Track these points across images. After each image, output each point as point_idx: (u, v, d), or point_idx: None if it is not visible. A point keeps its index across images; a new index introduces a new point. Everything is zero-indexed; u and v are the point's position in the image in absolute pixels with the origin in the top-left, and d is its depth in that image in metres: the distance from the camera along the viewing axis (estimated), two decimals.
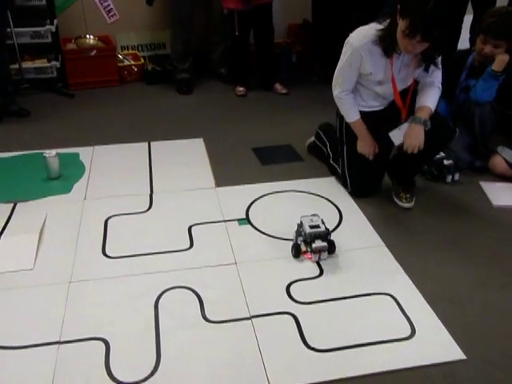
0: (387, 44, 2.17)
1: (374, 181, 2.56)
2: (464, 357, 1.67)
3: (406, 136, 2.26)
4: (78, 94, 3.77)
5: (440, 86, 2.34)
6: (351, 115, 2.40)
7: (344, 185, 2.60)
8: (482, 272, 2.07)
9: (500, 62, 2.58)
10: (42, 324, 1.77)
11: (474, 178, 2.75)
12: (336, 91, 2.38)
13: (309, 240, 2.05)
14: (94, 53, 3.80)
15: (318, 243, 2.04)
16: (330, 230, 2.13)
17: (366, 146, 2.42)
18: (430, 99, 2.29)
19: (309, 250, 2.07)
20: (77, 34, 3.94)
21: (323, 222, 2.09)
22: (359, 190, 2.55)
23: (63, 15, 3.86)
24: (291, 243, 2.14)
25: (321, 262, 2.07)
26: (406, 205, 2.42)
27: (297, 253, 2.08)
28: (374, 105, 2.41)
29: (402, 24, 2.05)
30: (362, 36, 2.21)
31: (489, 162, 2.77)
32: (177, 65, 3.91)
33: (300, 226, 2.09)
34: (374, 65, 2.23)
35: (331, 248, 2.09)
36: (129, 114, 3.49)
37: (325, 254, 2.06)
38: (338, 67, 2.35)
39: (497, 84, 2.62)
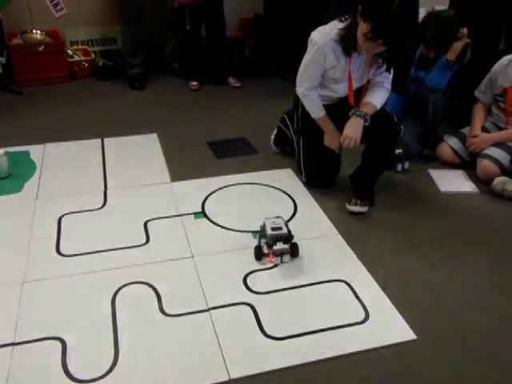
0: (348, 44, 2.19)
1: (329, 172, 2.61)
2: (415, 336, 1.74)
3: (345, 127, 2.30)
4: (27, 91, 3.67)
5: (389, 87, 2.38)
6: (317, 112, 2.42)
7: (299, 174, 2.64)
8: (431, 255, 2.15)
9: (455, 50, 2.67)
10: None
11: (422, 166, 2.84)
12: (301, 89, 2.39)
13: (270, 242, 2.02)
14: (42, 48, 3.70)
15: (280, 245, 2.01)
16: (286, 220, 2.16)
17: (332, 140, 2.45)
18: (376, 97, 2.32)
19: (270, 252, 2.05)
20: (22, 28, 3.83)
21: (286, 225, 2.07)
22: (314, 181, 2.59)
23: (6, 9, 3.73)
24: (248, 235, 2.16)
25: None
26: (352, 208, 2.38)
27: (258, 255, 2.05)
28: (324, 100, 2.43)
29: (363, 27, 2.05)
30: (325, 34, 2.22)
31: (436, 150, 2.87)
32: (128, 60, 3.86)
33: (263, 228, 2.07)
34: (336, 60, 2.25)
35: (294, 251, 2.06)
36: (81, 111, 3.43)
37: (287, 257, 2.04)
38: (302, 65, 2.35)
39: (451, 72, 2.71)
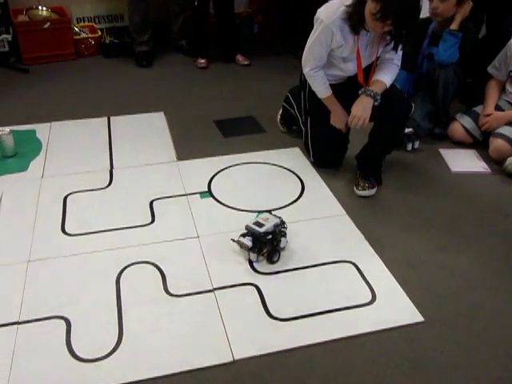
0: (355, 22, 2.12)
1: (337, 152, 2.56)
2: (422, 319, 1.71)
3: (354, 106, 2.25)
4: (33, 69, 3.64)
5: (399, 63, 2.31)
6: (323, 91, 2.37)
7: (307, 154, 2.60)
8: (440, 237, 2.12)
9: (456, 18, 2.59)
10: (0, 304, 1.73)
11: (433, 145, 2.79)
12: (307, 68, 2.33)
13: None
14: (47, 25, 3.65)
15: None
16: (293, 200, 2.11)
17: (338, 119, 2.40)
18: (386, 75, 2.26)
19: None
20: (28, 4, 3.77)
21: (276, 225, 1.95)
22: (322, 161, 2.55)
23: None
24: (254, 215, 2.13)
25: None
26: (360, 192, 2.33)
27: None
28: (331, 79, 2.38)
29: (371, 6, 1.98)
30: (332, 12, 2.14)
31: (448, 129, 2.81)
32: (135, 37, 3.80)
33: (247, 226, 1.95)
34: (343, 38, 2.19)
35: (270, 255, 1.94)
36: (87, 89, 3.40)
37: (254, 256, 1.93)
38: (308, 44, 2.29)
39: (457, 42, 2.62)
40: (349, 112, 2.32)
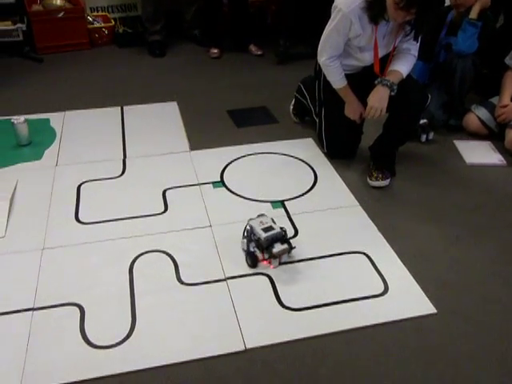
0: (376, 12, 2.09)
1: (351, 143, 2.55)
2: (435, 310, 1.71)
3: (370, 96, 2.23)
4: (47, 58, 3.65)
5: (416, 54, 2.29)
6: (338, 82, 2.34)
7: (320, 145, 2.59)
8: (453, 228, 2.10)
9: (475, 7, 2.55)
10: (15, 291, 1.75)
11: (448, 136, 2.76)
12: (323, 58, 2.30)
13: (265, 245, 1.81)
14: (62, 14, 3.66)
15: (278, 247, 1.81)
16: (305, 191, 2.10)
17: (352, 110, 2.38)
18: (403, 65, 2.24)
19: (266, 256, 1.84)
20: None
21: (274, 221, 1.88)
22: (335, 152, 2.54)
23: None
24: (267, 205, 2.12)
25: (295, 222, 2.07)
26: (374, 183, 2.32)
27: (254, 262, 1.85)
28: (347, 69, 2.35)
29: None
30: (351, 1, 2.11)
31: (463, 120, 2.78)
32: (148, 26, 3.80)
33: (250, 231, 1.85)
34: (362, 28, 2.16)
35: (290, 248, 1.87)
36: (100, 78, 3.40)
37: (285, 256, 1.87)
38: (324, 33, 2.26)
39: (476, 32, 2.58)
40: (363, 103, 2.30)
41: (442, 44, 2.74)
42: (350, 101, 2.37)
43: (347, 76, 2.34)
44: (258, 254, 1.85)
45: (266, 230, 1.83)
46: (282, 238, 1.85)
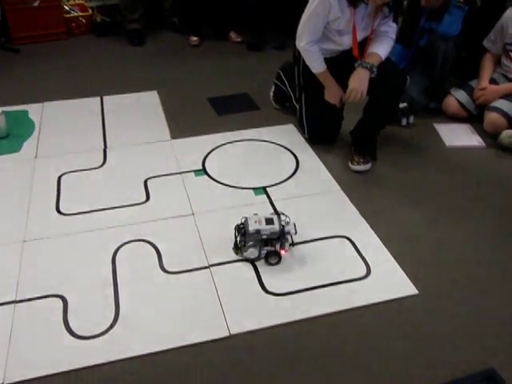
0: None
1: (331, 128, 2.55)
2: (416, 291, 1.73)
3: (351, 79, 2.23)
4: (24, 49, 3.58)
5: (394, 36, 2.30)
6: (318, 66, 2.34)
7: (301, 131, 2.59)
8: (434, 211, 2.12)
9: None
10: None
11: (428, 119, 2.78)
12: (302, 42, 2.29)
13: (277, 236, 1.80)
14: (37, 3, 3.59)
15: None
16: (287, 177, 2.09)
17: (332, 95, 2.38)
18: (381, 47, 2.25)
19: (278, 246, 1.81)
20: None
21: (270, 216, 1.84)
22: (316, 137, 2.54)
23: None
24: (249, 192, 2.12)
25: (277, 208, 2.08)
26: (355, 167, 2.33)
27: (279, 256, 1.82)
28: (326, 54, 2.35)
29: None
30: None
31: (442, 103, 2.80)
32: (127, 15, 3.75)
33: (256, 236, 1.79)
34: (341, 11, 2.16)
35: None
36: (79, 69, 3.35)
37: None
38: (303, 17, 2.25)
39: (462, 15, 2.59)
40: (343, 87, 2.30)
41: (424, 29, 2.74)
42: (330, 85, 2.37)
43: (326, 60, 2.34)
44: (274, 247, 1.81)
45: (260, 226, 1.79)
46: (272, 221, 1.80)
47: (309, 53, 2.31)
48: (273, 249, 1.81)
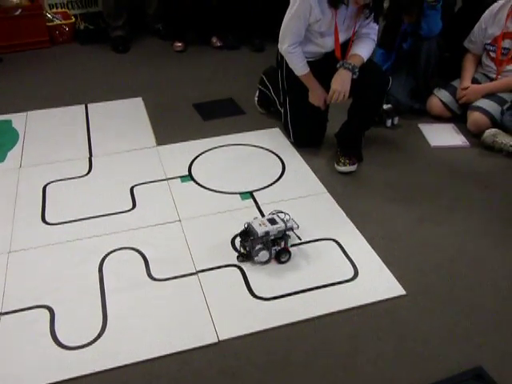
0: None
1: (317, 131, 2.56)
2: (404, 292, 1.74)
3: (333, 80, 2.25)
4: (7, 58, 3.55)
5: (375, 38, 2.32)
6: (301, 69, 2.35)
7: (287, 134, 2.60)
8: (420, 210, 2.14)
9: None
10: None
11: (412, 120, 2.80)
12: (284, 45, 2.29)
13: (280, 235, 1.82)
14: (18, 12, 3.56)
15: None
16: (274, 180, 2.11)
17: (316, 97, 2.39)
18: (363, 48, 2.26)
19: (283, 244, 1.84)
20: None
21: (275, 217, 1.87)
22: (302, 141, 2.55)
23: None
24: (235, 197, 2.12)
25: (264, 212, 2.08)
26: (341, 168, 2.33)
27: (288, 254, 1.85)
28: (308, 56, 2.36)
29: None
30: None
31: (426, 104, 2.82)
32: (110, 22, 3.73)
33: (264, 238, 1.79)
34: (321, 13, 2.17)
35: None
36: (63, 77, 3.34)
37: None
38: (285, 19, 2.25)
39: (437, 13, 2.60)
40: (327, 89, 2.31)
41: (408, 32, 2.76)
42: (314, 87, 2.38)
43: (309, 64, 2.35)
44: (280, 246, 1.84)
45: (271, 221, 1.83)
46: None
47: (292, 55, 2.32)
48: (280, 247, 1.83)
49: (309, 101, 2.41)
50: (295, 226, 1.86)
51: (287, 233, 1.84)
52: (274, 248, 1.83)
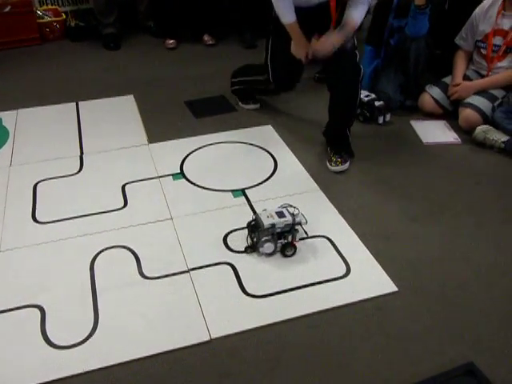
0: None
1: (295, 75, 2.58)
2: (396, 289, 1.74)
3: (319, 40, 2.23)
4: None
5: (367, 2, 2.26)
6: (287, 17, 2.24)
7: (266, 73, 2.59)
8: (412, 207, 2.14)
9: None
10: None
11: (404, 117, 2.80)
12: None
13: (289, 229, 1.84)
14: (8, 9, 3.53)
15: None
16: (266, 178, 2.10)
17: (298, 49, 2.31)
18: (357, 12, 2.21)
19: (290, 238, 1.85)
20: None
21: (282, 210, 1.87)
22: (280, 82, 2.58)
23: None
24: (227, 194, 2.12)
25: (256, 210, 2.07)
26: (334, 168, 2.33)
27: (293, 249, 1.87)
28: (302, 2, 2.25)
29: None
30: None
31: (418, 101, 2.82)
32: (101, 19, 3.71)
33: (270, 230, 1.81)
34: None
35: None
36: (54, 74, 3.32)
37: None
38: None
39: (426, 17, 2.62)
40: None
41: (394, 27, 2.77)
42: (297, 39, 2.31)
43: (301, 10, 2.26)
44: (287, 239, 1.85)
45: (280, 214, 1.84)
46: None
47: (279, 1, 2.24)
48: (287, 241, 1.84)
49: (292, 52, 2.33)
50: (303, 221, 1.87)
51: (296, 227, 1.85)
52: (280, 241, 1.84)
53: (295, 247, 1.86)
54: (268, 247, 1.82)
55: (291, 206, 1.93)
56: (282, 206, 1.92)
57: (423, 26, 2.64)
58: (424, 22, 2.63)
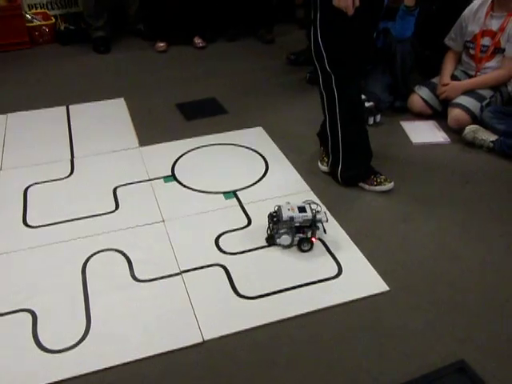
0: None
1: (359, 50, 2.02)
2: (387, 288, 1.75)
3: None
4: None
5: None
6: None
7: (318, 63, 2.07)
8: (403, 207, 2.15)
9: None
10: None
11: (394, 118, 2.82)
12: None
13: (310, 224, 1.86)
14: None
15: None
16: (257, 179, 2.11)
17: None
18: None
19: (309, 234, 1.88)
20: None
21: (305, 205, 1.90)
22: (338, 66, 2.03)
23: None
24: (219, 197, 2.12)
25: (248, 212, 2.08)
26: (325, 168, 2.35)
27: (310, 244, 1.89)
28: None
29: None
30: None
31: (407, 102, 2.84)
32: (91, 22, 3.71)
33: (289, 223, 1.85)
34: None
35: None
36: (44, 78, 3.31)
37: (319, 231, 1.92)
38: None
39: (413, 19, 2.64)
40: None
41: (380, 29, 2.79)
42: None
43: None
44: (306, 235, 1.87)
45: (300, 208, 1.87)
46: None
47: None
48: (305, 236, 1.86)
49: (335, 5, 1.85)
50: (324, 219, 1.88)
51: (317, 224, 1.87)
52: (298, 235, 1.87)
53: (312, 243, 1.89)
54: (285, 239, 1.86)
55: (314, 203, 1.98)
56: (305, 202, 1.95)
57: (409, 27, 2.67)
58: (410, 24, 2.66)
